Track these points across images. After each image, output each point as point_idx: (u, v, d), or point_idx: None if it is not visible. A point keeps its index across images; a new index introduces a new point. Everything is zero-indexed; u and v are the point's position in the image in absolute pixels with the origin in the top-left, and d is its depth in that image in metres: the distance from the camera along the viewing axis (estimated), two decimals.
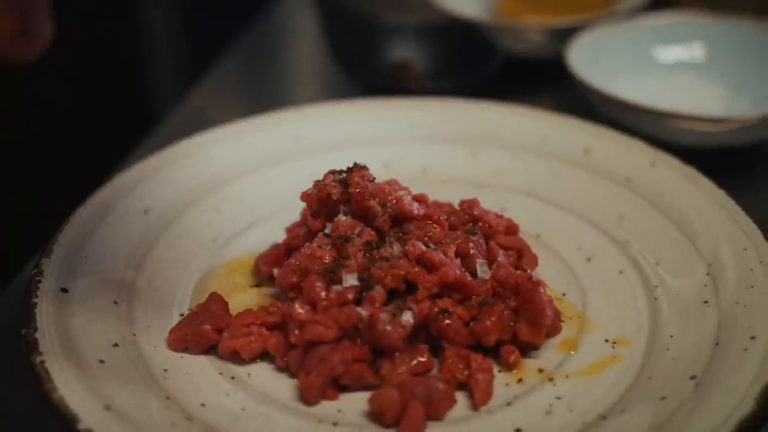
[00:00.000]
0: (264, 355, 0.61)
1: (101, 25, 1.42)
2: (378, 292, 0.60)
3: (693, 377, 0.55)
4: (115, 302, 0.63)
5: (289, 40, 1.25)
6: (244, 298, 0.67)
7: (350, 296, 0.59)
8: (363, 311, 0.58)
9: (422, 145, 0.82)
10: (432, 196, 0.70)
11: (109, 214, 0.69)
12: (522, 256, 0.68)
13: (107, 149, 1.02)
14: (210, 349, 0.61)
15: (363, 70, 0.99)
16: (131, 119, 1.40)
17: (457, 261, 0.63)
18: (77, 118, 1.34)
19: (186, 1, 1.59)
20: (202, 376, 0.59)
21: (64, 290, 0.61)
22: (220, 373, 0.60)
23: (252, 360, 0.61)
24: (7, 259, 0.91)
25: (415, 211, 0.64)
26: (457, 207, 0.71)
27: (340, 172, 0.66)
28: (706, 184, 0.71)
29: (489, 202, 0.72)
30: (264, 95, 1.07)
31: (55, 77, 1.26)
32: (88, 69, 1.37)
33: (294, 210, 0.72)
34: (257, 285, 0.68)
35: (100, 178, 0.79)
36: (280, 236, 0.71)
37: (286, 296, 0.64)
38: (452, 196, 0.74)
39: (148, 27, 1.54)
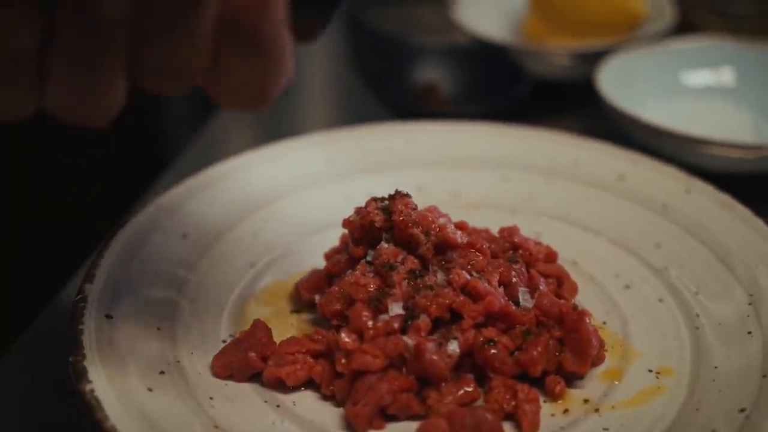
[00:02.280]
0: (309, 383, 0.61)
1: None
2: (423, 321, 0.60)
3: (742, 410, 0.55)
4: (158, 328, 0.63)
5: (313, 63, 1.26)
6: (284, 324, 0.67)
7: (396, 325, 0.59)
8: (409, 340, 0.59)
9: (453, 169, 0.83)
10: (466, 221, 0.70)
11: (148, 239, 0.69)
12: (562, 283, 0.68)
13: (125, 181, 1.03)
14: (254, 377, 0.61)
15: (391, 93, 0.99)
16: (147, 151, 1.41)
17: (501, 290, 0.63)
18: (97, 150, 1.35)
19: None
20: (247, 404, 0.59)
21: (109, 316, 0.61)
22: (265, 401, 0.60)
23: (297, 388, 0.61)
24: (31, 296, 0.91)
25: (459, 240, 0.64)
26: (493, 232, 0.71)
27: (383, 199, 0.66)
28: (743, 211, 0.71)
29: (524, 228, 0.72)
30: (290, 119, 1.07)
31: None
32: None
33: (329, 234, 0.73)
34: (297, 311, 0.68)
35: (122, 207, 0.80)
36: (317, 260, 0.71)
37: (327, 323, 0.64)
38: (486, 220, 0.74)
39: None
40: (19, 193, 0.98)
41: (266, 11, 0.41)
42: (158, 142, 1.51)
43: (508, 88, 0.95)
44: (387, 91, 0.99)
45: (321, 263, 0.70)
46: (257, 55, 0.43)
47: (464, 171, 0.82)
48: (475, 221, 0.73)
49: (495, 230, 0.71)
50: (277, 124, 1.06)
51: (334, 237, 0.72)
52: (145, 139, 1.49)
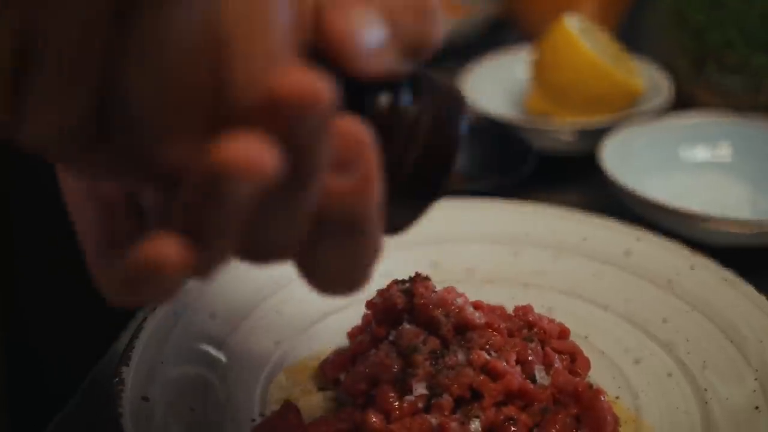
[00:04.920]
0: None
1: None
2: (446, 400, 0.63)
3: None
4: (192, 409, 0.66)
5: None
6: (310, 402, 0.69)
7: (420, 405, 0.62)
8: (434, 419, 0.62)
9: (467, 245, 0.86)
10: (479, 297, 0.74)
11: (178, 320, 0.72)
12: (575, 359, 0.71)
13: None
14: None
15: None
16: None
17: (518, 368, 0.66)
18: None
19: None
20: None
21: (145, 399, 0.64)
22: None
23: None
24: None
25: (477, 320, 0.67)
26: (507, 309, 0.74)
27: (404, 281, 0.69)
28: (746, 287, 0.75)
29: (535, 302, 0.75)
30: None
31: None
32: None
33: (349, 311, 0.76)
34: (322, 388, 0.71)
35: None
36: (339, 337, 0.74)
37: (352, 400, 0.67)
38: (499, 295, 0.77)
39: None
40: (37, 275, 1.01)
41: (364, 197, 0.41)
42: None
43: (516, 163, 0.99)
44: None
45: (343, 341, 0.73)
46: (353, 241, 0.43)
47: (477, 247, 0.86)
48: (489, 296, 0.77)
49: (508, 305, 0.75)
50: None
51: (353, 315, 0.75)
52: None
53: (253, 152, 0.36)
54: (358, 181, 0.41)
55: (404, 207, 0.47)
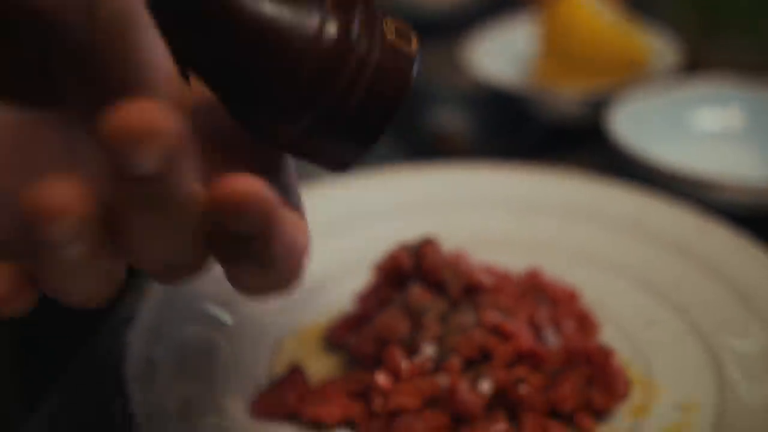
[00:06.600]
0: (346, 423, 0.63)
1: None
2: (455, 361, 0.62)
3: None
4: (197, 372, 0.65)
5: None
6: (317, 365, 0.69)
7: (429, 366, 0.62)
8: (443, 380, 0.61)
9: (472, 212, 0.85)
10: (487, 262, 0.73)
11: (185, 282, 0.71)
12: (586, 323, 0.70)
13: None
14: (292, 418, 0.63)
15: (406, 136, 1.02)
16: None
17: (528, 329, 0.65)
18: None
19: None
20: None
21: (150, 361, 0.63)
22: None
23: (334, 428, 0.63)
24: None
25: (486, 282, 0.66)
26: (515, 274, 0.73)
27: (412, 244, 0.68)
28: (759, 251, 0.74)
29: (544, 269, 0.74)
30: (299, 167, 1.09)
31: None
32: None
33: (358, 275, 0.75)
34: (330, 352, 0.70)
35: None
36: (345, 302, 0.73)
37: (360, 364, 0.66)
38: (506, 262, 0.76)
39: None
40: None
41: (262, 215, 0.37)
42: None
43: (522, 131, 0.98)
44: (403, 136, 1.02)
45: (349, 306, 0.72)
46: (255, 261, 0.40)
47: (483, 213, 0.85)
48: (498, 263, 0.76)
49: (516, 271, 0.74)
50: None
51: (361, 279, 0.74)
52: None
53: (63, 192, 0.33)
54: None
55: (347, 143, 0.46)
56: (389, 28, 0.46)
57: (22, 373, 0.94)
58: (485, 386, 0.61)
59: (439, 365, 0.62)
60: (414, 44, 0.47)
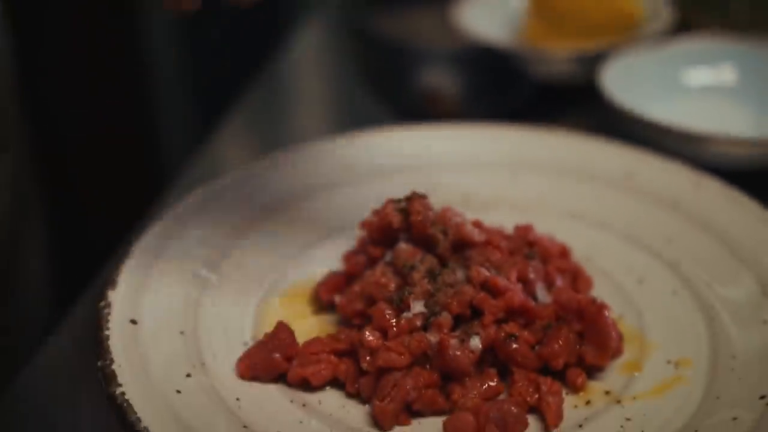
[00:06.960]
0: (333, 382, 0.62)
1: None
2: (445, 318, 0.61)
3: (763, 397, 0.57)
4: (182, 332, 0.63)
5: (311, 72, 1.26)
6: (304, 325, 0.67)
7: (419, 323, 0.60)
8: (432, 337, 0.59)
9: (462, 171, 0.83)
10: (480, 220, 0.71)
11: (168, 244, 0.70)
12: (577, 279, 0.69)
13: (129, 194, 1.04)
14: (279, 377, 0.62)
15: (395, 97, 1.00)
16: (149, 165, 1.42)
17: (519, 285, 0.64)
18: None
19: (190, 61, 1.59)
20: (274, 405, 0.60)
21: (133, 321, 0.62)
22: (291, 401, 0.60)
23: (321, 387, 0.61)
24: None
25: (476, 237, 0.65)
26: (506, 232, 0.72)
27: (400, 200, 0.67)
28: (751, 204, 0.73)
29: (536, 226, 0.73)
30: (291, 128, 1.08)
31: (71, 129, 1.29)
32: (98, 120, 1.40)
33: (345, 236, 0.74)
34: (317, 312, 0.69)
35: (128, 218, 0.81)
36: (334, 263, 0.72)
37: (348, 323, 0.65)
38: (498, 220, 0.74)
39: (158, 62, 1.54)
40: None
41: None
42: (160, 155, 1.53)
43: (512, 90, 0.96)
44: (392, 97, 1.00)
45: (338, 266, 0.71)
46: None
47: (474, 172, 0.83)
48: (488, 221, 0.74)
49: (508, 230, 0.72)
50: (276, 134, 1.07)
51: (348, 239, 0.73)
52: (147, 153, 1.50)
53: None
54: None
55: None
56: None
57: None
58: (475, 343, 0.60)
59: (428, 322, 0.61)
60: None
